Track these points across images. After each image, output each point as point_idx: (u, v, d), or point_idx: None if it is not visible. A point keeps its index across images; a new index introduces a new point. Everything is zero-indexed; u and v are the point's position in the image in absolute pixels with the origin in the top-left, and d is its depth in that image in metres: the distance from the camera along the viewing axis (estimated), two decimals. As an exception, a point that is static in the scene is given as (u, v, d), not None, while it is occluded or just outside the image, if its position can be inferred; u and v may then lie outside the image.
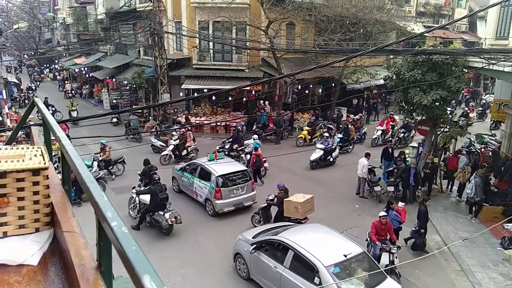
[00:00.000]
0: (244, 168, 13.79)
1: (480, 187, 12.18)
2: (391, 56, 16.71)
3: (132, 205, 12.19)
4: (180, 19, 23.08)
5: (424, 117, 14.46)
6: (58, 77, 43.77)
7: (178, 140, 17.62)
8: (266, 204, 11.37)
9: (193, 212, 12.89)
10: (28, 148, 1.69)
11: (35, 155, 1.60)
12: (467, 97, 32.02)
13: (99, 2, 32.34)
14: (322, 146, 17.44)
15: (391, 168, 14.48)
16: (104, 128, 22.66)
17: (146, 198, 11.44)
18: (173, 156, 17.37)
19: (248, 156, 16.20)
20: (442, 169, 15.11)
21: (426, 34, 23.33)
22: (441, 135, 14.79)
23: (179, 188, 14.33)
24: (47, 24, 49.92)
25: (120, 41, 30.46)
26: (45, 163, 1.54)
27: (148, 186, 11.82)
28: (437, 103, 13.13)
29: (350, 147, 19.75)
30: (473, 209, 12.66)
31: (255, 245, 8.68)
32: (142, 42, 27.03)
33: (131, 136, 20.48)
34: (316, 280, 7.28)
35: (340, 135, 19.50)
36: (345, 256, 7.62)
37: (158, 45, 21.78)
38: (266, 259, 8.44)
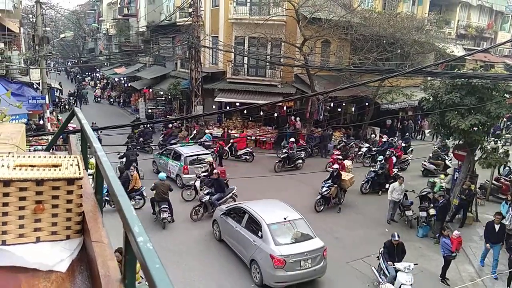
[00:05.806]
0: (207, 151, 17.29)
1: (519, 217, 11.56)
2: (429, 78, 16.30)
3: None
4: (217, 34, 23.58)
5: (461, 142, 13.98)
6: (98, 85, 45.54)
7: None
8: None
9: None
10: (65, 157, 1.76)
11: (71, 165, 1.66)
12: (508, 123, 30.68)
13: (141, 15, 33.60)
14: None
15: (425, 193, 14.01)
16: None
17: (124, 160, 15.96)
18: None
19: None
20: (479, 196, 14.46)
21: (467, 57, 22.70)
22: (478, 161, 14.22)
23: (158, 169, 17.20)
24: (91, 34, 52.25)
25: (159, 53, 31.46)
26: (80, 173, 1.59)
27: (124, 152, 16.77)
28: (475, 128, 12.69)
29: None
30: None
31: (224, 212, 11.42)
32: (179, 55, 27.78)
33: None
34: (260, 234, 9.74)
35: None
36: (285, 218, 9.97)
37: (195, 58, 22.31)
38: (231, 221, 11.05)
